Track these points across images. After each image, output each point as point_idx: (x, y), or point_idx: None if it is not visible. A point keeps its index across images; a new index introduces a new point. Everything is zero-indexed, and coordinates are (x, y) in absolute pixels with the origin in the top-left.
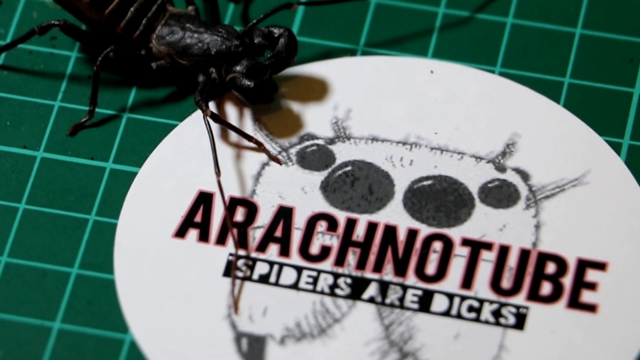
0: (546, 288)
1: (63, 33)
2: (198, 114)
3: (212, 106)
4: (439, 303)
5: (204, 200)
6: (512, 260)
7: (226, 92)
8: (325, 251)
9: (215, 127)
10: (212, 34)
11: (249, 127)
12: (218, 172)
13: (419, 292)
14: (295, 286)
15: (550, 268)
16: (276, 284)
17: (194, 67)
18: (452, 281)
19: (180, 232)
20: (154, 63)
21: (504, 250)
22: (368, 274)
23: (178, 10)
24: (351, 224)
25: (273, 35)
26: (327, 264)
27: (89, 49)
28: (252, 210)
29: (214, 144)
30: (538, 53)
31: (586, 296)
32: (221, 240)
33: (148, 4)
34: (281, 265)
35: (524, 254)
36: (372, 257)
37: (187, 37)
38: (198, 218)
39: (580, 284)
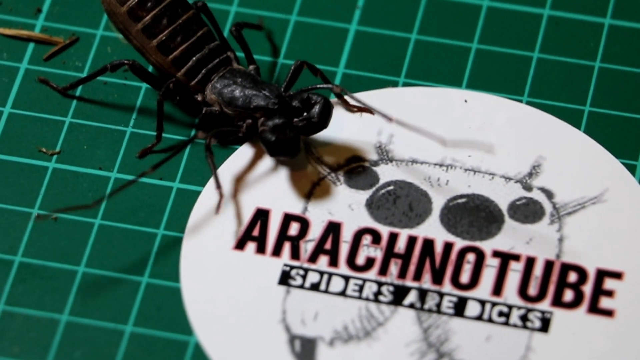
0: (568, 295)
1: (131, 72)
2: (253, 140)
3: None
4: (472, 308)
5: (261, 216)
6: (538, 270)
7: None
8: (370, 262)
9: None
10: (257, 91)
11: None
12: (218, 186)
13: (454, 299)
14: (343, 293)
15: (572, 277)
16: (326, 291)
17: (237, 117)
18: (483, 289)
19: (240, 245)
20: (205, 108)
21: (530, 261)
22: (408, 283)
23: (240, 67)
24: (393, 237)
25: (310, 101)
26: (372, 274)
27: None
28: (304, 225)
29: (216, 174)
30: (561, 84)
31: (604, 302)
32: (276, 253)
33: (210, 56)
34: (330, 274)
35: (549, 265)
36: (412, 267)
37: (235, 90)
38: (256, 232)
39: (599, 291)
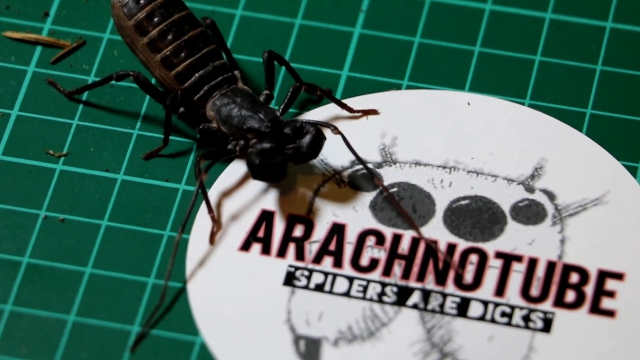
0: (570, 296)
1: (135, 84)
2: None
3: None
4: (475, 309)
5: (265, 217)
6: (540, 271)
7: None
8: (373, 263)
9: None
10: (253, 112)
11: None
12: (210, 210)
13: (457, 299)
14: (347, 294)
15: (574, 278)
16: (330, 292)
17: (231, 135)
18: (486, 289)
19: (245, 246)
20: (203, 124)
21: (532, 262)
22: (412, 283)
23: (244, 87)
24: (397, 238)
25: (302, 130)
26: (376, 274)
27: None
28: (309, 226)
29: (207, 199)
30: (563, 87)
31: (606, 303)
32: (281, 254)
33: (214, 74)
34: (335, 275)
35: (551, 266)
36: (415, 269)
37: (233, 109)
38: (261, 233)
39: (600, 292)
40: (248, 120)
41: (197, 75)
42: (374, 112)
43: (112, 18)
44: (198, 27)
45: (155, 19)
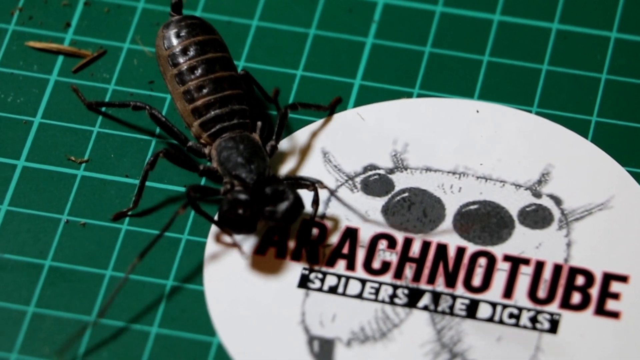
0: (576, 298)
1: (150, 119)
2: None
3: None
4: (484, 310)
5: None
6: (547, 274)
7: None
8: (385, 266)
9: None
10: (246, 162)
11: (319, 158)
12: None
13: (467, 301)
14: (359, 296)
15: (580, 280)
16: (343, 294)
17: (224, 177)
18: (495, 292)
19: (261, 250)
20: (203, 165)
21: (539, 265)
22: (423, 286)
23: (254, 137)
24: (408, 242)
25: (282, 195)
26: (387, 277)
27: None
28: (322, 231)
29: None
30: (569, 95)
31: (611, 305)
32: (296, 257)
33: (230, 116)
34: (348, 278)
35: (557, 269)
36: (426, 271)
37: (232, 154)
38: (276, 237)
39: (605, 294)
40: (238, 168)
41: (212, 112)
42: (338, 100)
43: (155, 49)
44: (230, 70)
45: (189, 54)
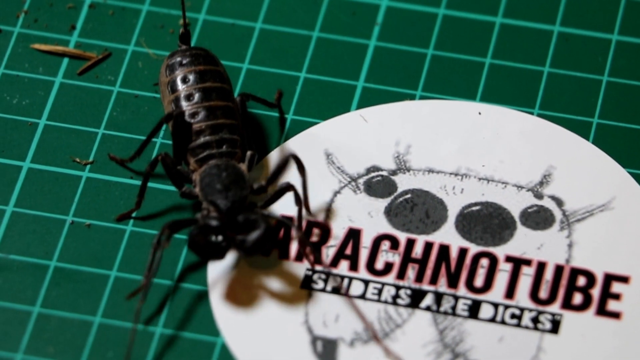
0: (577, 298)
1: (161, 164)
2: (281, 156)
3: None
4: (486, 311)
5: (284, 223)
6: (549, 275)
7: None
8: (388, 267)
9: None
10: (224, 188)
11: (322, 160)
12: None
13: (469, 302)
14: (362, 296)
15: (581, 281)
16: (347, 294)
17: (202, 202)
18: (497, 292)
19: (265, 251)
20: (186, 188)
21: (541, 266)
22: (425, 286)
23: (240, 167)
24: (410, 243)
25: (253, 224)
26: (390, 278)
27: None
28: (325, 232)
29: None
30: (570, 97)
31: (612, 305)
32: (299, 258)
33: (219, 144)
34: (351, 278)
35: (559, 269)
36: (428, 272)
37: (212, 180)
38: (279, 239)
39: (606, 294)
40: (215, 194)
41: (202, 139)
42: (279, 94)
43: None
44: (226, 101)
45: (188, 82)
